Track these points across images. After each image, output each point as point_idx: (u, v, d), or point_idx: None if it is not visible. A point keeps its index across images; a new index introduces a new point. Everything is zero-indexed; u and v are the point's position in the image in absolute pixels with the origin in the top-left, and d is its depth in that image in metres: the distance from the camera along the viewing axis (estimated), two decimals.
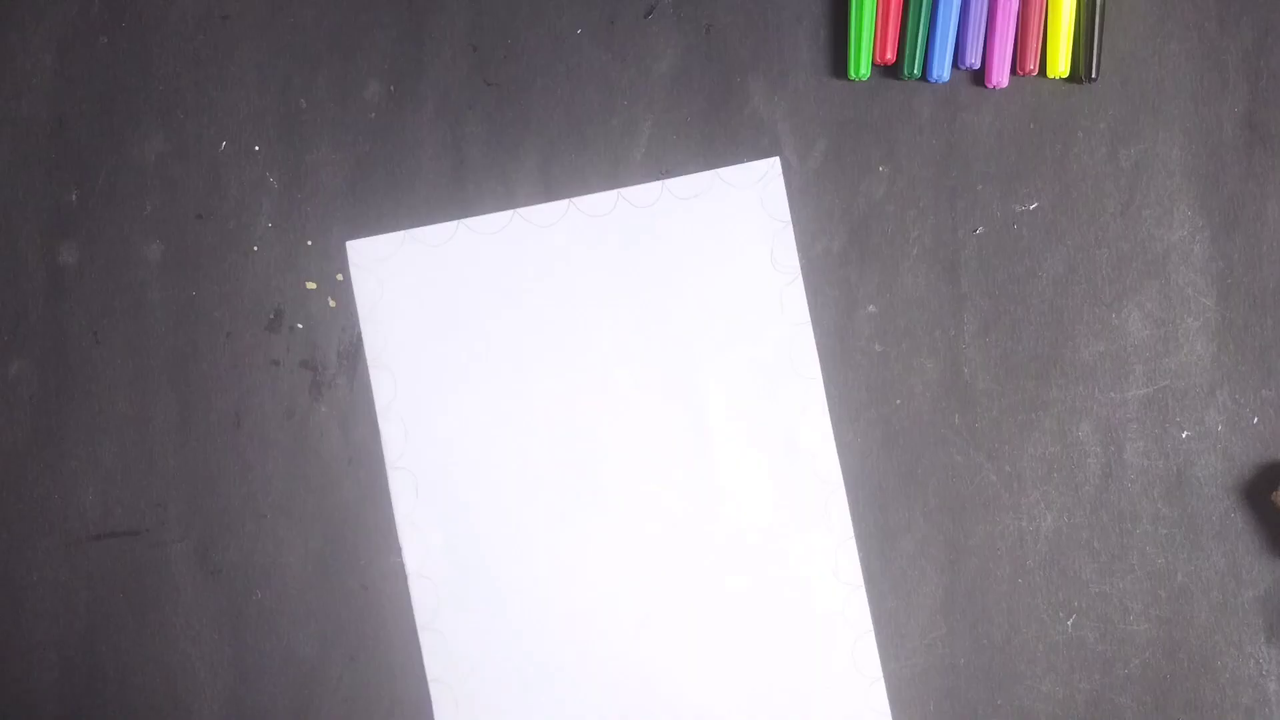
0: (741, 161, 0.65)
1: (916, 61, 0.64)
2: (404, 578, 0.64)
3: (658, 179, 0.65)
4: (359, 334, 0.65)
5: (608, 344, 0.62)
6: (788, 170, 0.64)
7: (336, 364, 0.65)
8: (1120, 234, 0.64)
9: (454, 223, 0.65)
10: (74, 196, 0.66)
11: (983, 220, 0.64)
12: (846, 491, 0.64)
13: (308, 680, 0.65)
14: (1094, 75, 0.63)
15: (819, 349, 0.64)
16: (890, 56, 0.64)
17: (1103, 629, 0.63)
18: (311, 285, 0.65)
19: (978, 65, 0.64)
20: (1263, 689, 0.63)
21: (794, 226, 0.64)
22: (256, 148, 0.66)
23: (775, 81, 0.65)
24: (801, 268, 0.64)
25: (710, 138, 0.65)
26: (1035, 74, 0.64)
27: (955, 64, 0.64)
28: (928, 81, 0.64)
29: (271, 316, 0.65)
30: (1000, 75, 0.64)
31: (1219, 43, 0.64)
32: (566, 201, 0.65)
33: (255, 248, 0.65)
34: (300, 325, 0.65)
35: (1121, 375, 0.64)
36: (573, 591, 0.63)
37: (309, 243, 0.65)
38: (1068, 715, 0.63)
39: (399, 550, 0.64)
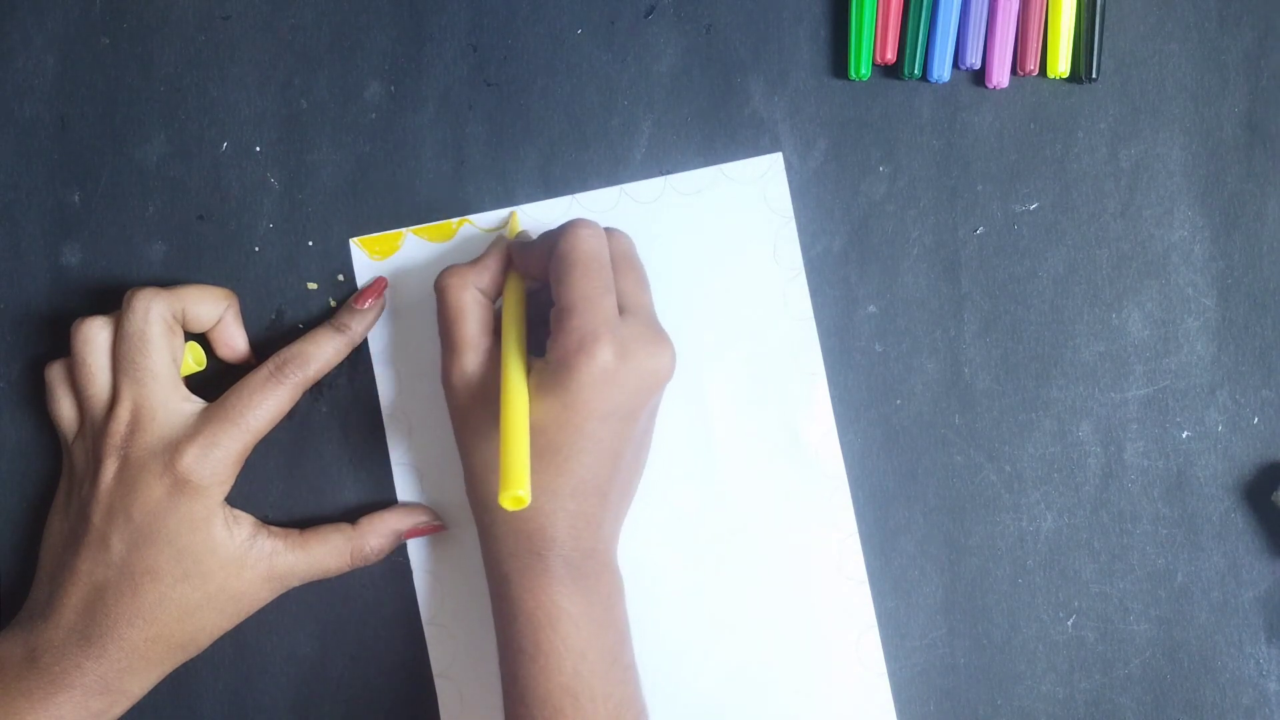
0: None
1: (917, 61, 0.64)
2: (408, 574, 0.65)
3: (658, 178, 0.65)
4: None
5: None
6: (788, 170, 0.64)
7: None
8: (1120, 234, 0.64)
9: (457, 219, 0.65)
10: (76, 197, 0.66)
11: (983, 220, 0.64)
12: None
13: (310, 678, 0.65)
14: (1094, 75, 0.63)
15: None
16: (890, 56, 0.64)
17: (1103, 629, 0.63)
18: (313, 285, 0.65)
19: (978, 65, 0.64)
20: (1263, 689, 0.63)
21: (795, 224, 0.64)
22: (257, 148, 0.66)
23: (775, 81, 0.65)
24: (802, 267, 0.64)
25: (710, 137, 0.65)
26: (1035, 74, 0.63)
27: (955, 64, 0.64)
28: (928, 81, 0.64)
29: (273, 317, 0.65)
30: (1000, 75, 0.63)
31: (1219, 43, 0.64)
32: (569, 198, 0.65)
33: (257, 248, 0.66)
34: (302, 326, 0.65)
35: (1121, 375, 0.64)
36: None
37: (310, 243, 0.66)
38: (1068, 715, 0.63)
39: (403, 546, 0.65)
